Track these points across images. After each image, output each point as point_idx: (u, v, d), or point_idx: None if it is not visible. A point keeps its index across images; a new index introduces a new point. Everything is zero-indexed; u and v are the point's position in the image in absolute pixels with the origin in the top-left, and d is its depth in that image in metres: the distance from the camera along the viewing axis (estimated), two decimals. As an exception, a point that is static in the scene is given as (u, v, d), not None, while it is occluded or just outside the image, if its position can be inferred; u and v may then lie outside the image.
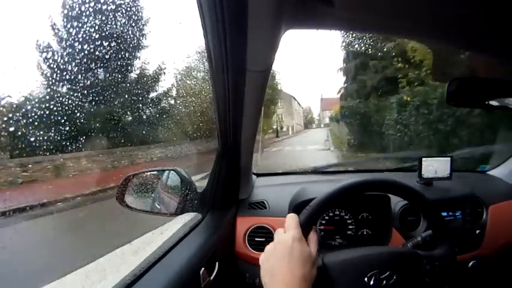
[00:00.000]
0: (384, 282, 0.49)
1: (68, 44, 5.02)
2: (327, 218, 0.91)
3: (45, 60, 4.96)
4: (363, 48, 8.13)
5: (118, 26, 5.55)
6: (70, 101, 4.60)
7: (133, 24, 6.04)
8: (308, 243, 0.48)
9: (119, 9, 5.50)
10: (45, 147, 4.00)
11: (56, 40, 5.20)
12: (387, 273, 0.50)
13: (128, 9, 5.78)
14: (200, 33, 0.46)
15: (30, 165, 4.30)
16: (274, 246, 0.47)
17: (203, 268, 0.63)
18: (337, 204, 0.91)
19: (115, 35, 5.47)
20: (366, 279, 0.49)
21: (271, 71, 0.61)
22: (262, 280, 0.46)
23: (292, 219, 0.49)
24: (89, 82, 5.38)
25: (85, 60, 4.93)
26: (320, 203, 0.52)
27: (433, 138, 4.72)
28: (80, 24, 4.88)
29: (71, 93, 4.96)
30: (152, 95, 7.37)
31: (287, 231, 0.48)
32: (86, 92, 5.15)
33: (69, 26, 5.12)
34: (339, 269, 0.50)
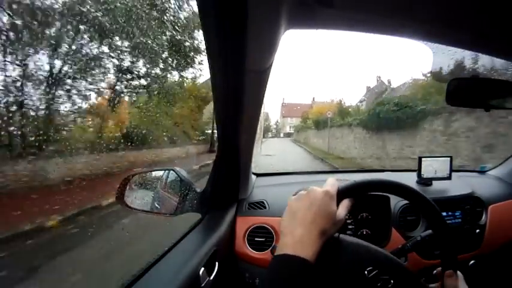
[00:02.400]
0: (381, 283, 0.50)
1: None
2: None
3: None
4: None
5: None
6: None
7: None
8: (339, 206, 0.49)
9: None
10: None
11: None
12: (386, 277, 0.50)
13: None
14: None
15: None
16: (307, 193, 0.48)
17: (203, 268, 0.63)
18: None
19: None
20: (366, 272, 0.49)
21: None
22: (283, 219, 0.48)
23: (332, 180, 0.51)
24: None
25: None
26: (362, 183, 0.52)
27: None
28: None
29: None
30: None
31: (323, 187, 0.49)
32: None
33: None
34: (350, 248, 0.51)
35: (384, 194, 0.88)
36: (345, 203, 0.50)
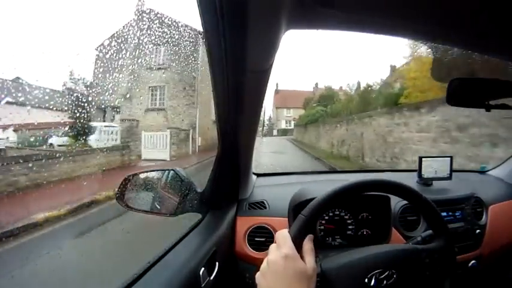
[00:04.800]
0: (385, 281, 0.50)
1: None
2: (327, 217, 0.91)
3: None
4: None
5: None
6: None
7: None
8: (303, 256, 0.46)
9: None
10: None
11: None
12: (387, 273, 0.50)
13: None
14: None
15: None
16: (268, 265, 0.46)
17: (203, 268, 0.63)
18: (334, 206, 0.91)
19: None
20: (366, 280, 0.49)
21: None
22: None
23: (282, 235, 0.48)
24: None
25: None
26: (312, 211, 0.50)
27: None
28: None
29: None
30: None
31: (278, 249, 0.46)
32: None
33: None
34: (339, 273, 0.50)
35: (384, 194, 0.88)
36: (306, 248, 0.48)
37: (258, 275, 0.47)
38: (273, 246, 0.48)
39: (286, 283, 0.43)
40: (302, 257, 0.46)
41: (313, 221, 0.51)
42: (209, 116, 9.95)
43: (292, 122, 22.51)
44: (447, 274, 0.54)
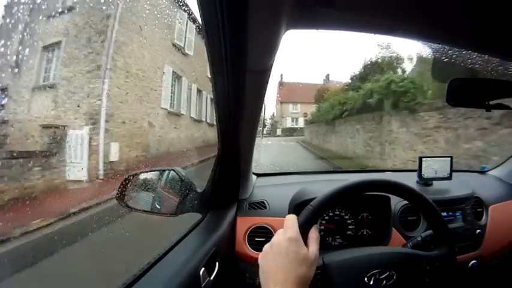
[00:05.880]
0: (384, 282, 0.50)
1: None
2: (327, 217, 0.91)
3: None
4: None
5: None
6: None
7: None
8: (308, 243, 0.48)
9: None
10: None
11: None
12: (387, 274, 0.50)
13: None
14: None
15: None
16: (271, 246, 0.47)
17: (203, 268, 0.63)
18: (337, 204, 0.91)
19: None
20: (365, 279, 0.49)
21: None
22: (260, 278, 0.46)
23: (290, 220, 0.49)
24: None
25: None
26: (320, 203, 0.51)
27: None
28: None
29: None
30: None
31: (284, 232, 0.48)
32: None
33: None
34: (339, 268, 0.50)
35: (384, 194, 0.88)
36: (312, 235, 0.49)
37: (260, 255, 0.48)
38: (280, 231, 0.49)
39: (286, 265, 0.44)
40: (306, 244, 0.47)
41: (320, 213, 0.52)
42: (154, 101, 5.83)
43: (300, 120, 19.00)
44: (447, 282, 0.54)
